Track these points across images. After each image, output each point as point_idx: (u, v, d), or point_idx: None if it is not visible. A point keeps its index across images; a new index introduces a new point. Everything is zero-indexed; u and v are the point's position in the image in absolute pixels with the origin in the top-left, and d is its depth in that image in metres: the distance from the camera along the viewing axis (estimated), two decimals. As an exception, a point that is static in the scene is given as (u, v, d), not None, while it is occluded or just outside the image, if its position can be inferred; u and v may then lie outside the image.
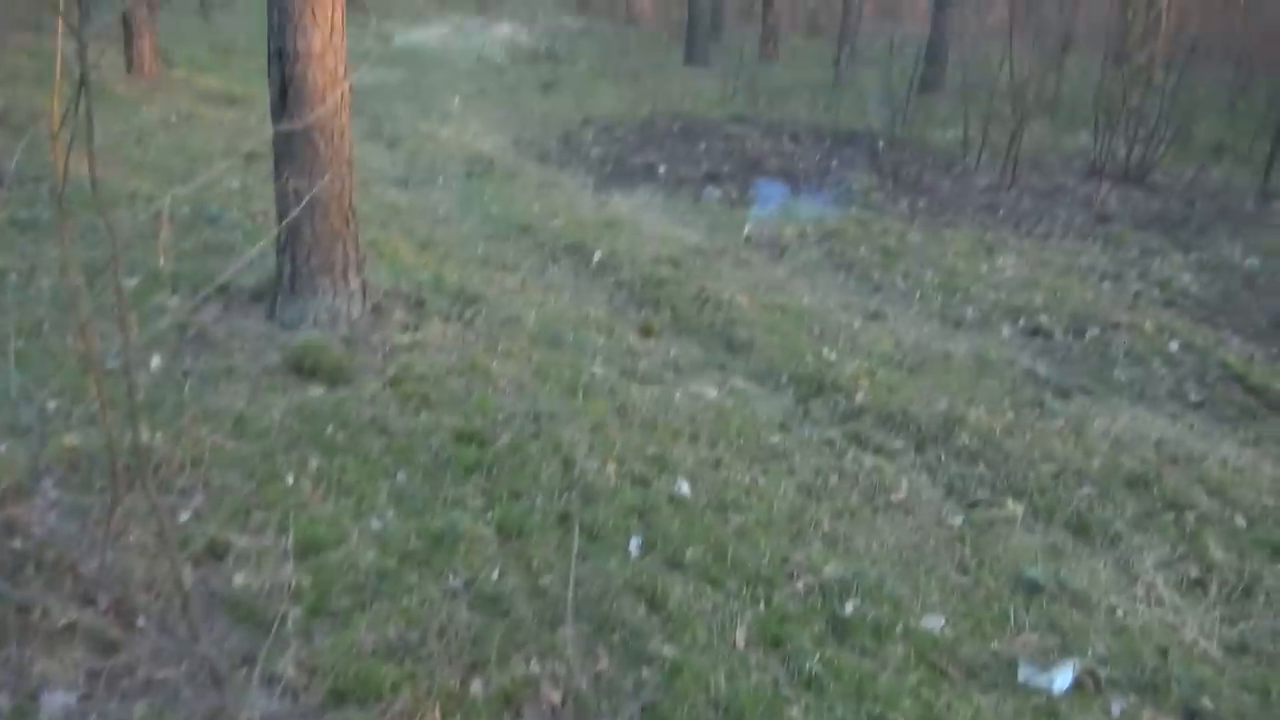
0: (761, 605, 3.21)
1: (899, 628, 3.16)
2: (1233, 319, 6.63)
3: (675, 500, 3.75)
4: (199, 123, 9.35)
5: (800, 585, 3.33)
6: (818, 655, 2.97)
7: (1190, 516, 3.97)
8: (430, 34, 19.00)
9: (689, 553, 3.42)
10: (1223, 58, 15.33)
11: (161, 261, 4.48)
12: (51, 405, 3.74)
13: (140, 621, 2.65)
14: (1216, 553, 3.72)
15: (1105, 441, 4.61)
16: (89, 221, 5.18)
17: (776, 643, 3.03)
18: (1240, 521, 3.97)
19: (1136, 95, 10.52)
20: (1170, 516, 3.98)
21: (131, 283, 4.93)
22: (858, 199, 9.29)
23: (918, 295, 6.81)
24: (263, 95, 5.38)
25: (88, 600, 2.70)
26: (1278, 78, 11.71)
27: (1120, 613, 3.36)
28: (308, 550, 3.14)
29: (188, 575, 2.82)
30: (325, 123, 4.59)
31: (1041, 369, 5.60)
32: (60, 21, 2.35)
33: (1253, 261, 7.92)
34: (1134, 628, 3.28)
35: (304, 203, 4.14)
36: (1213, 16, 16.14)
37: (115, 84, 10.05)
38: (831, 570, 3.41)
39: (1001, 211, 9.17)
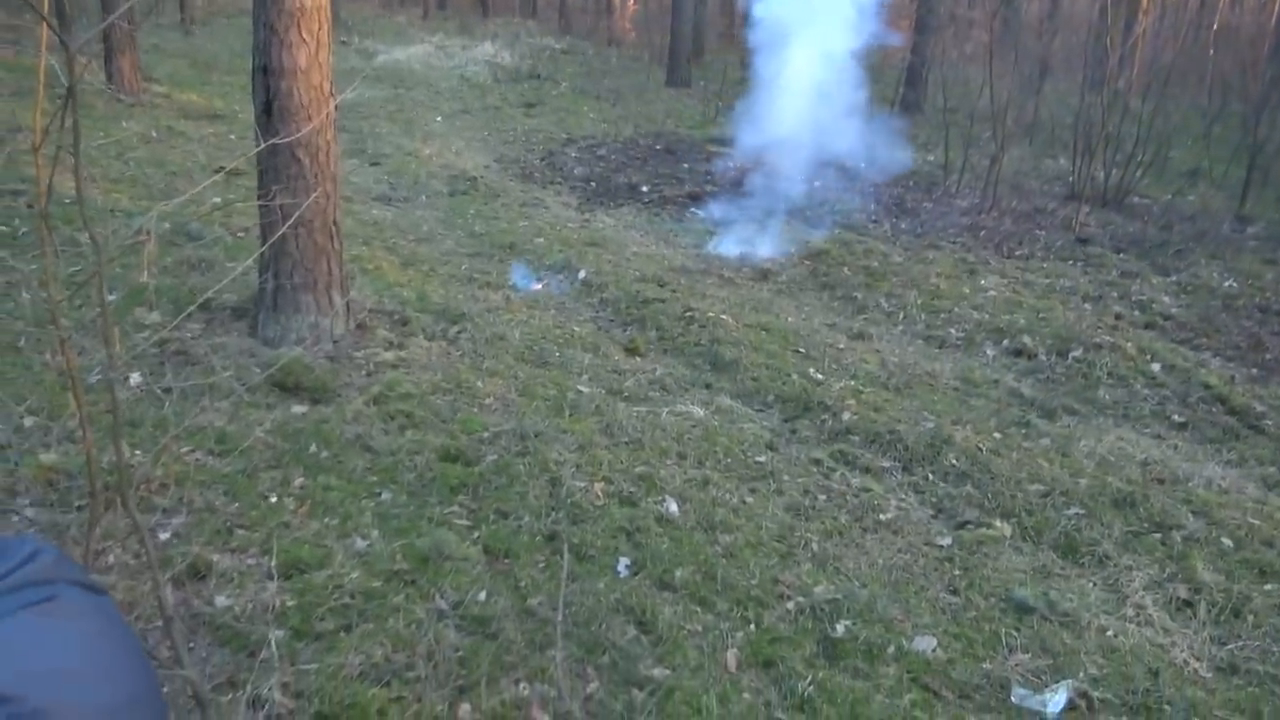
0: (752, 626, 3.18)
1: (891, 649, 3.13)
2: (1212, 341, 6.69)
3: (664, 520, 3.72)
4: (179, 138, 9.27)
5: (791, 606, 3.30)
6: (810, 677, 2.94)
7: (1177, 537, 3.97)
8: (413, 52, 18.99)
9: (678, 573, 3.38)
10: (1197, 86, 15.56)
11: (145, 276, 4.41)
12: (28, 422, 3.67)
13: (120, 644, 2.58)
14: (1204, 573, 3.72)
15: (1091, 462, 4.61)
16: (68, 236, 5.12)
17: (768, 664, 3.00)
18: (1227, 542, 3.97)
19: (1114, 121, 10.65)
20: (1158, 537, 3.98)
21: (111, 298, 4.85)
22: (840, 220, 9.33)
23: (902, 316, 6.83)
24: (244, 111, 5.34)
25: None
26: (1250, 106, 11.86)
27: (1111, 633, 3.34)
28: (291, 570, 3.09)
29: (169, 596, 2.75)
30: (311, 139, 4.55)
31: (1026, 389, 5.61)
32: (44, 33, 2.30)
33: (1230, 284, 7.99)
34: (1125, 649, 3.26)
35: (291, 220, 4.09)
36: (1186, 46, 16.40)
37: (95, 99, 9.97)
38: (822, 591, 3.38)
39: (983, 233, 9.23)
